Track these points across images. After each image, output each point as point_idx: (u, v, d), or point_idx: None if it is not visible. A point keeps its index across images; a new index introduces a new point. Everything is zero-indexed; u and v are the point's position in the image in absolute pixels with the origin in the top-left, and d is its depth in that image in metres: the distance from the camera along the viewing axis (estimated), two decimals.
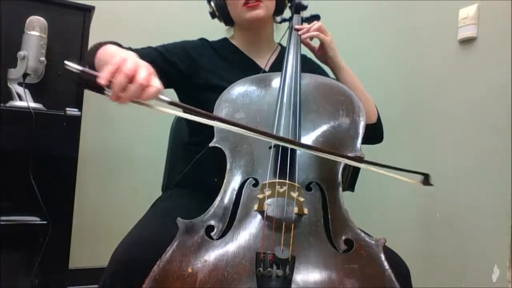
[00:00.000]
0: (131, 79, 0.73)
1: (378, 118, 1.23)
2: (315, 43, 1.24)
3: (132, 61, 0.76)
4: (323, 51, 1.21)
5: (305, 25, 1.23)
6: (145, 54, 1.11)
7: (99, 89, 0.74)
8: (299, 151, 0.90)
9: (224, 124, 0.79)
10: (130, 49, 1.10)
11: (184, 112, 0.80)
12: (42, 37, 1.56)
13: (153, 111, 0.78)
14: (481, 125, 1.51)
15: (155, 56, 1.14)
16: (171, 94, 1.17)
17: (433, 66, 1.73)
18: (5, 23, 1.58)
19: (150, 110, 0.78)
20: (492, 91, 1.48)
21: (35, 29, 1.55)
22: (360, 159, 0.87)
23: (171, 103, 0.76)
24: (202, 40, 1.28)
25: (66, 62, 0.73)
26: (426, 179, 0.85)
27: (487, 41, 1.52)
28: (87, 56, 1.01)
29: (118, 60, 0.75)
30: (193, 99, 1.16)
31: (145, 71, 0.75)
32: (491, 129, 1.48)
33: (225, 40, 1.32)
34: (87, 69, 0.74)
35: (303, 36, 1.20)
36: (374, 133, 1.19)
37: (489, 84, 1.50)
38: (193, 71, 1.19)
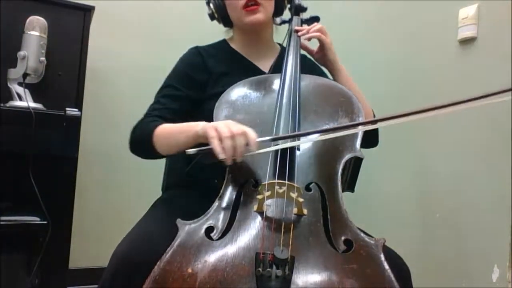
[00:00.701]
0: (232, 134, 0.82)
1: None
2: (314, 45, 1.24)
3: (221, 124, 0.86)
4: (322, 53, 1.21)
5: (305, 27, 1.23)
6: (171, 108, 1.13)
7: (215, 160, 0.83)
8: (298, 151, 0.90)
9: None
10: (165, 118, 1.10)
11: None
12: (42, 37, 1.56)
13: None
14: (481, 125, 1.51)
15: (176, 104, 1.14)
16: None
17: (433, 66, 1.73)
18: (5, 23, 1.58)
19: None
20: (492, 91, 1.48)
21: (35, 29, 1.55)
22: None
23: (273, 139, 0.87)
24: (197, 50, 1.24)
25: (187, 151, 0.86)
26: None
27: (487, 41, 1.52)
28: (146, 140, 1.05)
29: (213, 132, 0.84)
30: (199, 110, 1.16)
31: (234, 125, 0.85)
32: (491, 129, 1.48)
33: (223, 43, 1.30)
34: (202, 148, 0.86)
35: (303, 37, 1.20)
36: (370, 137, 1.14)
37: (489, 84, 1.49)
38: (201, 92, 1.18)
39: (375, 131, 1.22)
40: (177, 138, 0.98)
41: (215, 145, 0.82)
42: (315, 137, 0.91)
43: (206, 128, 0.87)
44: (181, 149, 0.94)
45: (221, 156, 0.82)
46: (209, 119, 0.89)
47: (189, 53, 1.24)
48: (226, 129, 0.83)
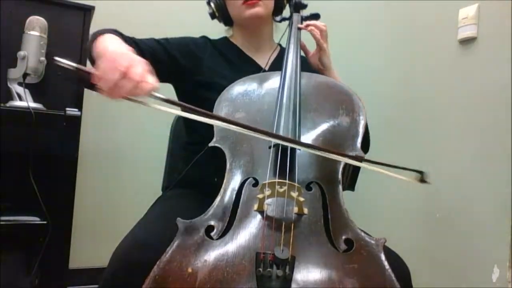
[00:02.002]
0: (124, 75, 0.73)
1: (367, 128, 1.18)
2: (311, 47, 1.24)
3: (126, 57, 0.76)
4: (318, 56, 1.22)
5: (311, 22, 1.23)
6: (147, 45, 1.13)
7: (92, 85, 0.73)
8: (299, 150, 0.90)
9: (221, 122, 0.79)
10: (132, 39, 1.10)
11: (182, 110, 0.80)
12: (42, 37, 1.56)
13: (149, 109, 0.77)
14: (481, 125, 1.51)
15: (156, 48, 1.15)
16: (170, 92, 1.17)
17: (433, 66, 1.73)
18: (5, 23, 1.58)
19: (147, 108, 0.77)
20: (492, 91, 1.48)
21: (35, 29, 1.55)
22: (359, 158, 0.87)
23: (167, 101, 0.76)
24: (204, 38, 1.28)
25: (56, 58, 0.71)
26: (422, 177, 0.87)
27: (487, 41, 1.52)
28: (88, 46, 1.00)
29: (111, 56, 0.75)
30: (192, 96, 1.16)
31: (139, 68, 0.75)
32: (491, 129, 1.48)
33: (225, 39, 1.32)
34: (80, 66, 0.73)
35: (309, 28, 1.19)
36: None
37: (489, 84, 1.50)
38: (193, 68, 1.19)
39: (367, 137, 1.20)
40: (102, 53, 0.87)
41: (101, 68, 0.74)
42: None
43: (114, 52, 0.78)
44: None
45: (99, 82, 0.73)
46: (203, 107, 0.84)
47: (199, 37, 1.28)
48: (126, 63, 0.74)
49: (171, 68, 1.16)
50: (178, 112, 0.82)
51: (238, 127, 0.78)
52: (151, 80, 0.76)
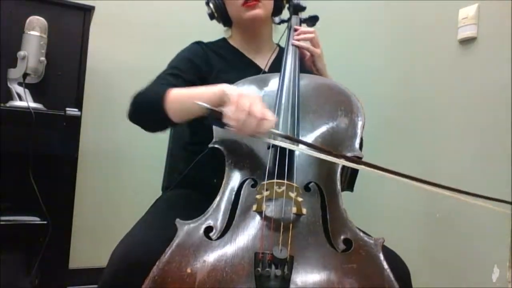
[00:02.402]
0: (249, 114, 0.81)
1: None
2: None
3: (246, 97, 0.83)
4: (312, 61, 1.23)
5: (303, 27, 1.24)
6: (172, 84, 1.07)
7: (222, 124, 0.84)
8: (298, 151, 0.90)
9: (349, 163, 0.83)
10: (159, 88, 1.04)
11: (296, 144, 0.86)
12: (42, 37, 1.56)
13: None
14: (481, 125, 1.51)
15: (177, 82, 1.11)
16: None
17: (433, 66, 1.73)
18: (5, 23, 1.58)
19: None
20: (492, 91, 1.48)
21: (35, 29, 1.55)
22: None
23: (286, 137, 0.84)
24: (199, 44, 1.25)
25: (196, 101, 0.84)
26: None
27: (487, 41, 1.52)
28: (147, 100, 1.01)
29: (234, 98, 0.82)
30: None
31: (260, 105, 0.82)
32: (491, 129, 1.48)
33: (223, 41, 1.31)
34: (214, 108, 0.84)
35: (299, 44, 1.21)
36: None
37: (489, 84, 1.49)
38: (200, 83, 1.17)
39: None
40: (194, 98, 0.90)
41: (230, 110, 0.82)
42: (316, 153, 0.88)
43: (231, 90, 0.86)
44: (194, 113, 0.92)
45: (230, 122, 0.81)
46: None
47: (192, 45, 1.25)
48: (248, 103, 0.82)
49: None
50: (298, 148, 0.86)
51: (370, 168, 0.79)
52: (271, 116, 0.83)
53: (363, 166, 0.80)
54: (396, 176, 0.79)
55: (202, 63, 1.19)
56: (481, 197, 0.80)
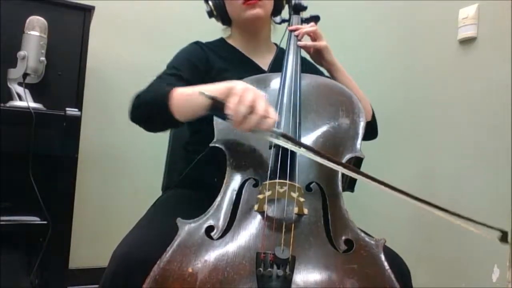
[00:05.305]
0: (251, 109, 0.79)
1: (373, 116, 1.24)
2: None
3: (251, 92, 0.81)
4: (318, 54, 1.21)
5: (300, 26, 1.23)
6: (173, 84, 1.03)
7: (224, 116, 0.82)
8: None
9: (348, 171, 0.81)
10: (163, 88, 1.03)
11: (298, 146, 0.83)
12: (42, 37, 1.56)
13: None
14: (481, 125, 1.51)
15: (178, 83, 1.07)
16: None
17: (433, 66, 1.73)
18: (5, 23, 1.58)
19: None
20: (492, 91, 1.48)
21: (35, 29, 1.55)
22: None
23: (285, 136, 0.82)
24: (198, 44, 1.24)
25: (201, 91, 0.83)
26: (502, 237, 0.82)
27: (487, 41, 1.52)
28: (151, 99, 1.00)
29: (239, 91, 0.81)
30: None
31: (263, 102, 0.81)
32: (491, 129, 1.48)
33: (222, 41, 1.31)
34: (217, 97, 0.82)
35: (301, 44, 1.20)
36: (369, 131, 1.19)
37: (489, 84, 1.50)
38: (200, 82, 1.17)
39: (374, 124, 1.24)
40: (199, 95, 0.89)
41: (233, 101, 0.80)
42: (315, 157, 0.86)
43: (235, 84, 0.84)
44: (199, 108, 0.88)
45: (231, 113, 0.80)
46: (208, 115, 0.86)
47: (191, 45, 1.24)
48: (251, 97, 0.80)
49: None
50: (300, 150, 0.84)
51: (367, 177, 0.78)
52: (273, 114, 0.82)
53: (361, 176, 0.79)
54: (393, 191, 0.80)
55: (202, 63, 1.19)
56: (474, 222, 0.79)
